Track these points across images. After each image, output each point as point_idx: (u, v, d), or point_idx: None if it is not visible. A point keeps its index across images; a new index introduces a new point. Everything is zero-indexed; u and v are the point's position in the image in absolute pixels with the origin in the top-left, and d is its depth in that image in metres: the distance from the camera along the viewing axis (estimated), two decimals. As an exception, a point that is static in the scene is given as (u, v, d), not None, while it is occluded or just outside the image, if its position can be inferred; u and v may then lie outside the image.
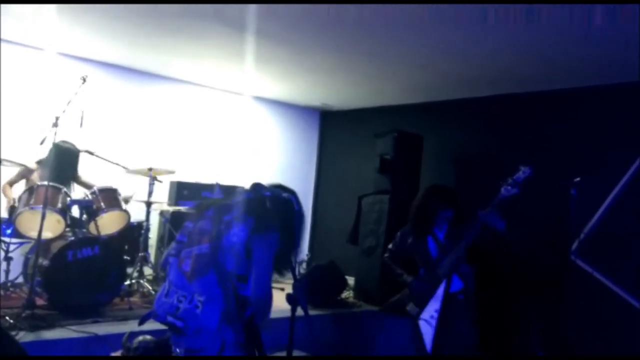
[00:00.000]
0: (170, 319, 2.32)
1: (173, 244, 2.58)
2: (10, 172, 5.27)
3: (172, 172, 5.83)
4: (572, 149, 5.71)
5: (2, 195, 5.16)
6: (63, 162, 5.07)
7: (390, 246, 4.34)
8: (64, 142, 5.07)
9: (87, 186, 5.36)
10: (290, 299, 2.39)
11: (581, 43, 4.52)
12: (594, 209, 5.37)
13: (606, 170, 5.32)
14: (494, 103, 6.65)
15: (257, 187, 2.52)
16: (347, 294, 6.33)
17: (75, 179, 5.41)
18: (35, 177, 5.26)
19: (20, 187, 5.32)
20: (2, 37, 5.85)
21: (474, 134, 6.86)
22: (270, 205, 2.45)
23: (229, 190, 6.96)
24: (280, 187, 2.57)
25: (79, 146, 5.32)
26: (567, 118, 5.91)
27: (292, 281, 2.56)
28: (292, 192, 2.54)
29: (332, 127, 8.88)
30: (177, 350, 2.36)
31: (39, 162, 5.28)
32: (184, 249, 2.45)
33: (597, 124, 5.61)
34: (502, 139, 6.50)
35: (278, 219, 2.42)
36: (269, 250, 2.36)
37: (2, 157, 4.88)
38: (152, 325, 4.47)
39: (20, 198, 4.88)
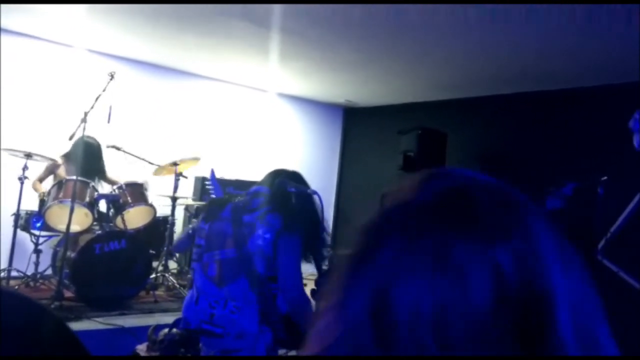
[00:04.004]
0: (206, 326, 2.32)
1: (189, 229, 2.58)
2: (38, 167, 5.36)
3: (197, 159, 5.85)
4: (599, 147, 5.63)
5: (33, 190, 5.26)
6: (87, 157, 5.15)
7: None
8: (87, 137, 5.14)
9: (113, 183, 5.45)
10: (314, 294, 2.41)
11: (607, 40, 4.46)
12: (621, 208, 5.30)
13: (635, 168, 5.24)
14: (518, 100, 6.59)
15: (280, 183, 2.45)
16: (369, 291, 6.33)
17: (101, 174, 5.48)
18: (61, 171, 5.35)
19: (48, 182, 5.42)
20: (32, 34, 5.98)
21: (498, 131, 6.80)
22: (296, 202, 2.43)
23: (245, 185, 7.01)
24: (297, 180, 2.53)
25: (102, 141, 5.40)
26: (593, 115, 5.83)
27: (315, 277, 2.58)
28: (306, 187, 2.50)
29: (355, 124, 8.87)
30: (211, 352, 2.34)
31: (64, 156, 5.38)
32: (204, 254, 2.41)
33: (624, 121, 5.53)
34: (526, 137, 6.44)
35: (303, 215, 2.41)
36: (297, 249, 2.34)
37: (32, 151, 4.98)
38: (177, 317, 4.52)
39: (49, 192, 4.98)
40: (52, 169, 5.39)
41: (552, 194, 3.79)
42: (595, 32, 4.29)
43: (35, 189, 5.28)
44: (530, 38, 4.63)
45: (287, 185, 2.45)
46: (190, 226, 2.60)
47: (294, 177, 2.55)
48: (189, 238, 2.59)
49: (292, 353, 2.51)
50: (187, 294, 2.52)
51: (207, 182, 6.42)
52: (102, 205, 5.28)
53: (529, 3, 3.81)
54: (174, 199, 5.70)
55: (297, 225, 2.37)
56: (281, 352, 2.46)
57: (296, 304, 2.32)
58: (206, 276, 2.37)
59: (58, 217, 4.80)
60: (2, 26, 5.72)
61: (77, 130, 4.67)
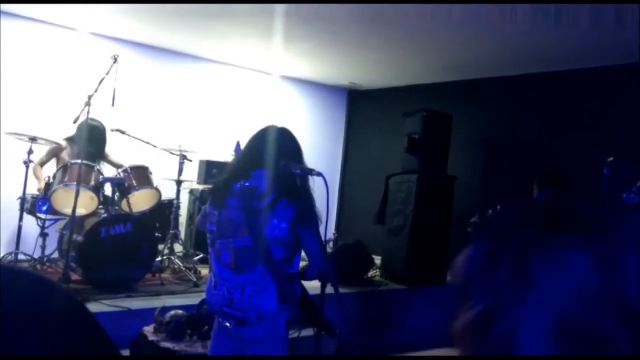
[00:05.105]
0: (227, 310, 2.36)
1: (204, 209, 2.59)
2: (44, 151, 5.36)
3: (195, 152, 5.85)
4: (605, 128, 5.60)
5: (33, 176, 5.23)
6: (91, 140, 5.14)
7: (489, 213, 4.20)
8: (92, 120, 5.12)
9: (116, 166, 5.45)
10: (320, 276, 2.41)
11: (612, 22, 4.42)
12: (627, 189, 5.28)
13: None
14: (524, 82, 6.55)
15: (285, 167, 2.40)
16: (373, 273, 6.36)
17: (104, 157, 5.48)
18: (65, 154, 5.34)
19: (51, 167, 5.41)
20: (35, 17, 5.96)
21: (504, 113, 6.77)
22: (302, 184, 2.43)
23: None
24: (292, 150, 2.51)
25: (106, 124, 5.38)
26: (598, 97, 5.80)
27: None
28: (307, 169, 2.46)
29: (360, 107, 8.84)
30: (227, 324, 2.39)
31: (68, 140, 5.37)
32: (217, 240, 2.41)
33: (629, 102, 5.49)
34: (532, 119, 6.41)
35: (311, 198, 2.42)
36: (316, 234, 2.35)
37: (37, 135, 4.98)
38: (183, 300, 4.58)
39: (55, 176, 4.99)
40: (55, 153, 5.37)
41: (630, 191, 3.78)
42: (602, 13, 4.24)
43: (36, 176, 5.25)
44: (536, 20, 4.58)
45: (292, 168, 2.42)
46: (205, 207, 2.60)
47: (290, 148, 2.52)
48: (204, 218, 2.59)
49: (305, 332, 2.56)
50: (209, 277, 2.55)
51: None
52: (108, 189, 5.29)
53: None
54: (179, 183, 5.71)
55: (311, 212, 2.38)
56: (294, 331, 2.51)
57: (324, 273, 2.37)
58: (220, 262, 2.39)
59: (64, 200, 4.81)
60: (6, 10, 5.70)
61: (81, 113, 4.67)
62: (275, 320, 2.33)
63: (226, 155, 7.09)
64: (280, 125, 2.59)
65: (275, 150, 2.43)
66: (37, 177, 5.26)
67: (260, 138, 2.52)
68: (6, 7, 5.64)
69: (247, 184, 2.39)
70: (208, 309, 2.53)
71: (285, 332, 2.38)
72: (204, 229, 2.55)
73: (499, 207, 4.08)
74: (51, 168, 5.36)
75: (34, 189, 5.22)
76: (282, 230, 2.31)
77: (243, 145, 2.62)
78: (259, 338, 2.36)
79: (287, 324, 2.37)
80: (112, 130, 5.47)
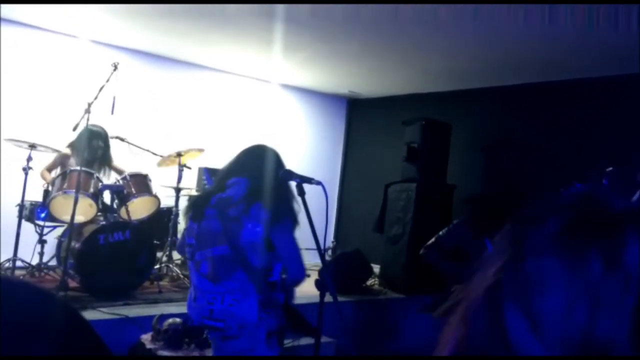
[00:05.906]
0: (207, 321, 2.36)
1: (184, 231, 2.61)
2: (42, 158, 5.35)
3: (201, 150, 5.87)
4: (604, 138, 5.61)
5: (42, 178, 5.24)
6: (92, 145, 5.14)
7: (440, 234, 3.92)
8: (93, 125, 5.12)
9: (118, 171, 5.45)
10: (318, 284, 2.41)
11: (612, 31, 4.43)
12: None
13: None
14: (523, 91, 6.56)
15: (285, 173, 2.45)
16: (372, 282, 6.35)
17: (107, 162, 5.47)
18: (72, 162, 5.33)
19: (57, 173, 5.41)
20: (36, 25, 5.97)
21: (502, 122, 6.78)
22: (283, 191, 2.44)
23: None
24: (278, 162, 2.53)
25: (107, 130, 5.38)
26: (598, 107, 5.81)
27: (318, 267, 2.59)
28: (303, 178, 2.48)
29: (359, 115, 8.85)
30: (215, 340, 2.40)
31: (71, 146, 5.36)
32: (196, 252, 2.42)
33: (629, 113, 5.51)
34: (531, 128, 6.42)
35: (288, 202, 2.43)
36: (291, 233, 2.35)
37: (36, 142, 4.99)
38: (181, 308, 4.55)
39: (53, 182, 4.99)
40: (62, 160, 5.34)
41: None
42: (602, 23, 4.26)
43: (44, 177, 5.24)
44: (535, 28, 4.60)
45: (292, 176, 2.46)
46: (184, 227, 2.63)
47: (278, 160, 2.55)
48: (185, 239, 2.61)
49: (297, 340, 2.56)
50: (189, 291, 2.55)
51: (203, 179, 6.41)
52: (107, 196, 5.29)
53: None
54: (178, 190, 5.70)
55: (286, 213, 2.39)
56: (289, 341, 2.51)
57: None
58: (199, 274, 2.40)
59: (62, 207, 4.80)
60: (7, 17, 5.71)
61: (80, 120, 4.68)
62: (256, 329, 2.32)
63: (225, 163, 7.08)
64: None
65: (252, 162, 2.48)
66: (44, 178, 5.25)
67: (242, 153, 2.60)
68: (7, 14, 5.65)
69: (223, 195, 2.43)
70: (188, 322, 2.53)
71: (266, 341, 2.36)
72: (181, 253, 2.58)
73: (451, 225, 4.05)
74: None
75: (38, 193, 5.20)
76: (257, 234, 2.32)
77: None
78: (239, 349, 2.35)
79: (269, 334, 2.35)
80: (112, 138, 5.47)
